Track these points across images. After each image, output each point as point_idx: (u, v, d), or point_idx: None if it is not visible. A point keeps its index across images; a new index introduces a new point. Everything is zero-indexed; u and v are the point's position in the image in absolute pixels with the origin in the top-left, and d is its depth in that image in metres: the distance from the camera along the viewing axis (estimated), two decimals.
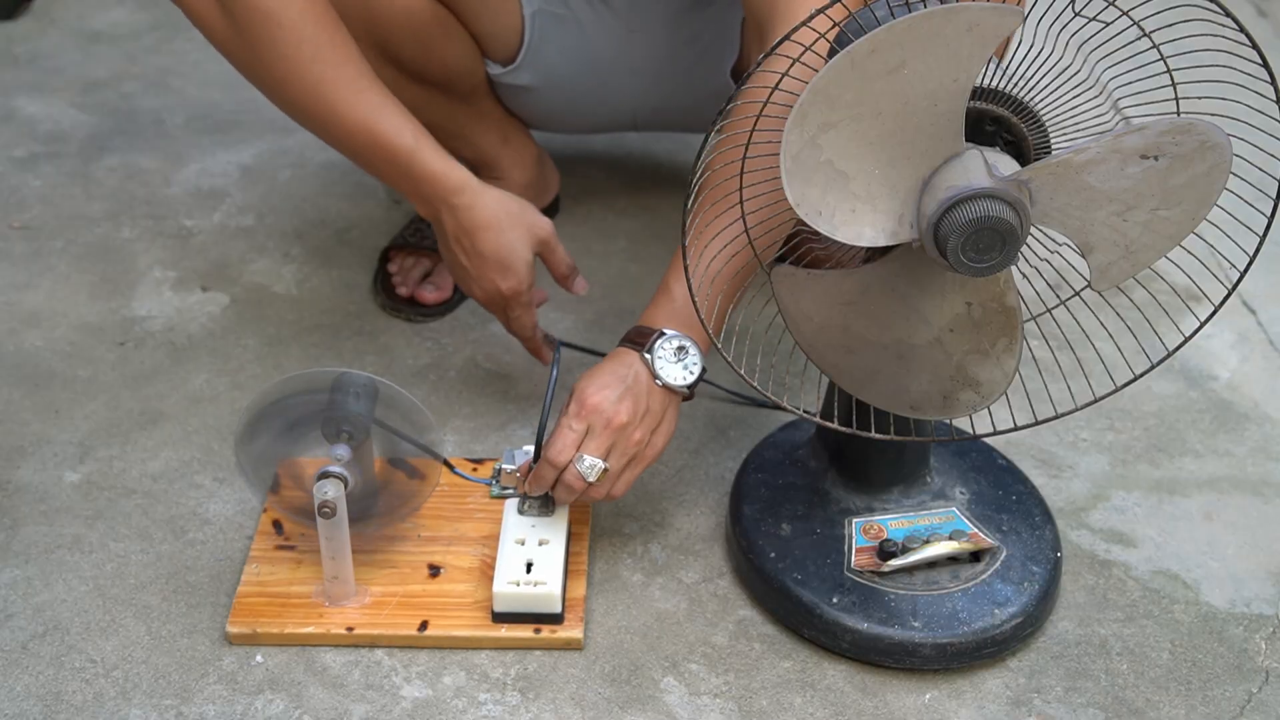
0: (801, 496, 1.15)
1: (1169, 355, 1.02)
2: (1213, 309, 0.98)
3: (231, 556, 1.17)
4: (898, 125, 0.86)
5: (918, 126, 0.86)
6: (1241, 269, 0.97)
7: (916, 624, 1.06)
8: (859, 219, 0.89)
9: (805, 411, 1.05)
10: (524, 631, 1.09)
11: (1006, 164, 0.88)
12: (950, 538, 1.10)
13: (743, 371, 1.01)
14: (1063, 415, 1.05)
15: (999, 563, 1.10)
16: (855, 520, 1.12)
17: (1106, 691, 1.07)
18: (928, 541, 1.10)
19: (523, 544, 1.12)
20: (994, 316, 0.96)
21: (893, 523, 1.12)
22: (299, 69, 1.15)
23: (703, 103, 1.40)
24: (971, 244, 0.86)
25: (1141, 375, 1.02)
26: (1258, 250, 0.95)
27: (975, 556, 1.10)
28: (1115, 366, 1.08)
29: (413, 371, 1.39)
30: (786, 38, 0.87)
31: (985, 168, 0.86)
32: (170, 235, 1.58)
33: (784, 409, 1.03)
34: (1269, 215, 0.94)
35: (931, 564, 1.09)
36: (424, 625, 1.09)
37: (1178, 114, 0.91)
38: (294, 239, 1.58)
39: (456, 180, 1.19)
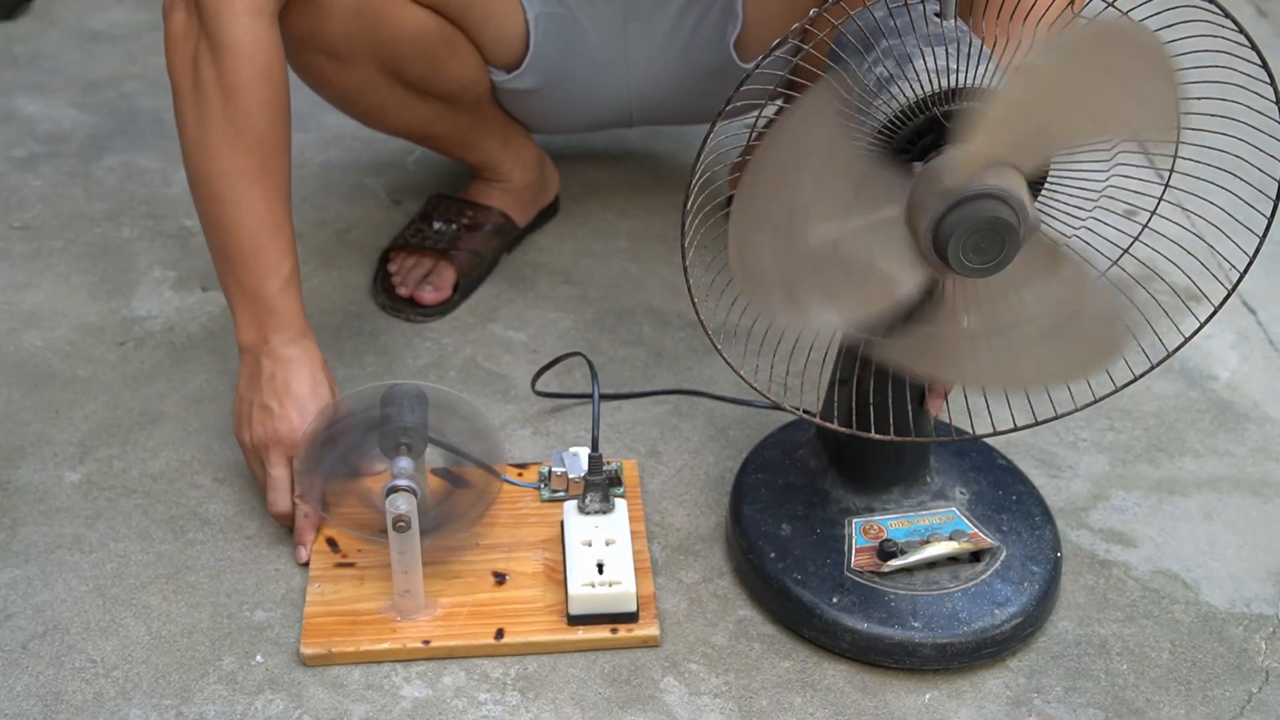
0: (801, 496, 1.15)
1: (1169, 355, 1.02)
2: (1213, 310, 0.98)
3: (231, 556, 1.17)
4: None
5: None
6: (1241, 269, 0.97)
7: (916, 624, 1.06)
8: None
9: (805, 412, 1.05)
10: (601, 632, 1.09)
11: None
12: (950, 538, 1.10)
13: (742, 371, 1.01)
14: (1063, 415, 1.05)
15: (999, 563, 1.10)
16: (855, 520, 1.12)
17: (1106, 691, 1.07)
18: (927, 542, 1.10)
19: (589, 545, 1.11)
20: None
21: (893, 523, 1.12)
22: (231, 150, 1.15)
23: (700, 85, 1.40)
24: (972, 245, 0.86)
25: (1142, 375, 1.02)
26: (1257, 251, 0.95)
27: (975, 556, 1.10)
28: (1115, 366, 1.08)
29: (413, 372, 1.39)
30: (784, 40, 0.87)
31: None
32: (170, 235, 1.58)
33: (782, 409, 1.03)
34: (1269, 216, 0.94)
35: (932, 564, 1.09)
36: (500, 633, 1.09)
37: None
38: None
39: (304, 325, 1.19)
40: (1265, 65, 0.87)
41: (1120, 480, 1.28)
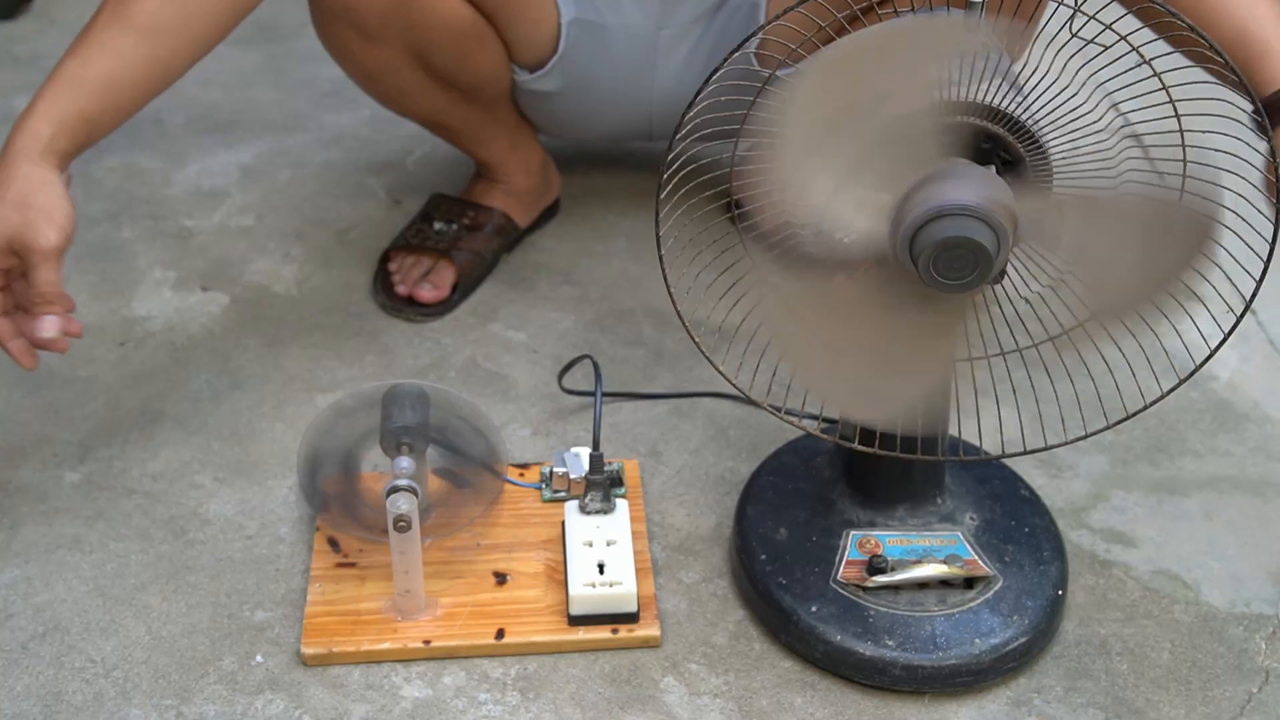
0: (807, 503, 1.14)
1: (1196, 370, 1.02)
2: (1230, 327, 0.98)
3: (231, 556, 1.17)
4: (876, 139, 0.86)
5: (895, 140, 0.86)
6: (1251, 273, 0.97)
7: (890, 643, 1.05)
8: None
9: (787, 411, 1.04)
10: (602, 633, 1.09)
11: (989, 182, 0.88)
12: (944, 561, 1.08)
13: (735, 378, 1.01)
14: (1093, 434, 1.05)
15: (991, 593, 1.08)
16: (854, 533, 1.11)
17: (1106, 691, 1.08)
18: (919, 562, 1.08)
19: (590, 545, 1.11)
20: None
21: (890, 540, 1.10)
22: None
23: (722, 94, 1.40)
24: (943, 260, 0.86)
25: (1169, 392, 1.02)
26: (1263, 277, 0.96)
27: (969, 584, 1.09)
28: (1117, 368, 1.07)
29: (413, 371, 1.39)
30: (759, 31, 0.88)
31: (964, 182, 0.86)
32: (170, 235, 1.58)
33: (766, 409, 1.03)
34: (1272, 229, 0.94)
35: (922, 585, 1.08)
36: (500, 633, 1.09)
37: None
38: (294, 239, 1.58)
39: (55, 132, 1.10)
40: (1253, 97, 0.87)
41: (1120, 480, 1.28)
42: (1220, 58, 0.87)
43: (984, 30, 0.94)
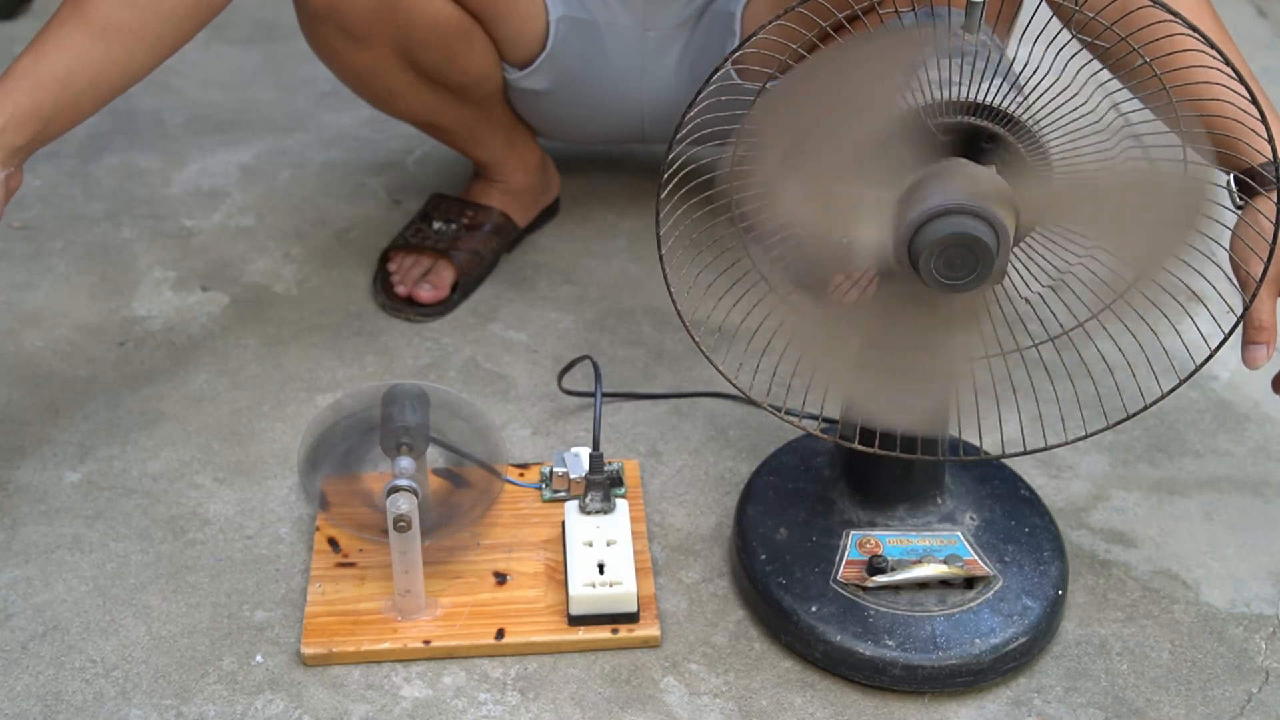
0: (806, 503, 1.14)
1: (1196, 370, 1.02)
2: (1233, 325, 0.99)
3: (231, 557, 1.17)
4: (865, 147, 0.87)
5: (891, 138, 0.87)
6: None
7: (890, 643, 1.05)
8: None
9: (787, 412, 1.04)
10: (602, 633, 1.09)
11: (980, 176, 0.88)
12: (944, 561, 1.08)
13: (735, 378, 1.01)
14: (1093, 434, 1.04)
15: (991, 593, 1.08)
16: (854, 533, 1.11)
17: (1106, 691, 1.08)
18: (919, 562, 1.08)
19: (590, 545, 1.11)
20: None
21: (890, 540, 1.10)
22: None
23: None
24: (943, 259, 0.86)
25: (1171, 391, 1.02)
26: (1263, 276, 0.95)
27: (969, 584, 1.08)
28: (1117, 368, 1.08)
29: (413, 371, 1.39)
30: (752, 37, 0.88)
31: (960, 181, 0.86)
32: (170, 235, 1.58)
33: (766, 409, 1.03)
34: (1273, 231, 0.94)
35: (922, 585, 1.08)
36: (500, 633, 1.09)
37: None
38: (294, 239, 1.58)
39: (25, 125, 1.14)
40: (1249, 91, 0.87)
41: (1120, 480, 1.28)
42: (1224, 59, 0.87)
43: (984, 31, 0.94)
